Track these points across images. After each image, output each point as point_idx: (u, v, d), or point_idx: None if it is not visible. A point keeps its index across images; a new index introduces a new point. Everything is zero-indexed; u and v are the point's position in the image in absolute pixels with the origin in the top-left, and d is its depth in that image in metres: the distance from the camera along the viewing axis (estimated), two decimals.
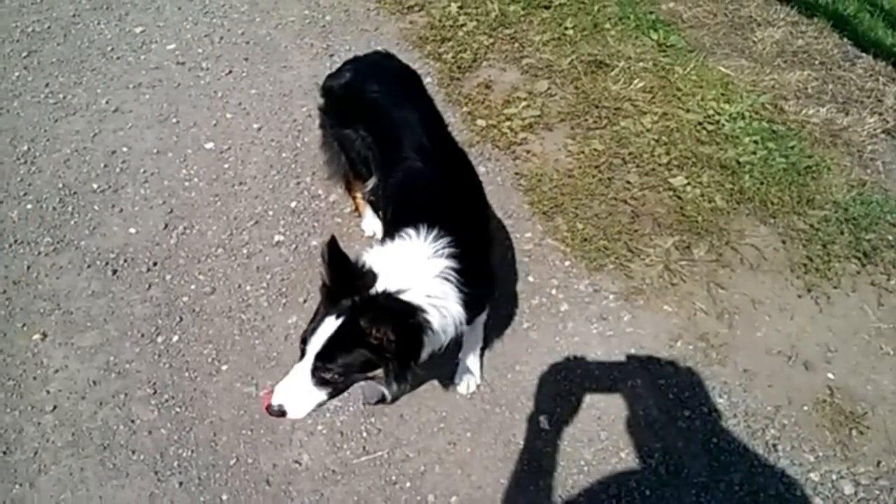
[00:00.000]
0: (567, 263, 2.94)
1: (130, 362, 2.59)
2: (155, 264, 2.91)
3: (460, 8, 4.26)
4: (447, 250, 1.88)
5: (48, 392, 2.50)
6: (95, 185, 3.22)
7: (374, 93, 2.40)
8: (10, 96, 3.59)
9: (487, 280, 2.20)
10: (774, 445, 2.35)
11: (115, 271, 2.88)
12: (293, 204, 3.16)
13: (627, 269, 2.92)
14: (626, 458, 2.33)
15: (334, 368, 1.73)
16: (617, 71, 3.79)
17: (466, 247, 1.92)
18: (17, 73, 3.78)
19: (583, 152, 3.40)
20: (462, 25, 4.15)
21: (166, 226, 3.06)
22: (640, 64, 3.83)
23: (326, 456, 2.34)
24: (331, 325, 1.71)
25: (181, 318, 2.72)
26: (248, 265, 2.91)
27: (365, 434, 2.39)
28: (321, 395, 1.78)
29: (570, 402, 2.48)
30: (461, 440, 2.37)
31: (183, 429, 2.40)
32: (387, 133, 2.31)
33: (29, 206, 3.10)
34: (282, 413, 1.77)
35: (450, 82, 3.76)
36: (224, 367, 2.57)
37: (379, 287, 1.75)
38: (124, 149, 3.40)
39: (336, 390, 1.80)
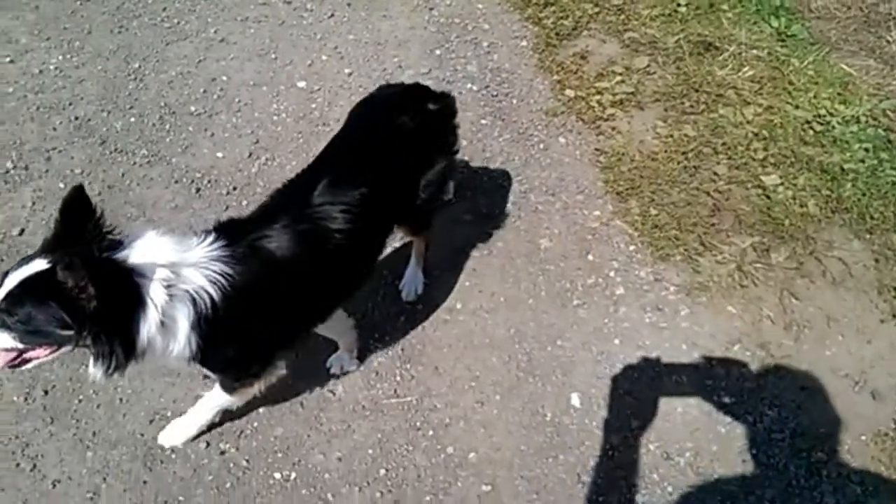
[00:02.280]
0: (632, 248, 2.84)
1: None
2: (235, 188, 3.07)
3: None
4: (224, 271, 1.71)
5: None
6: (193, 108, 3.41)
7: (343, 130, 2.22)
8: (129, 16, 3.84)
9: (244, 341, 1.89)
10: (819, 469, 2.20)
11: (198, 189, 3.06)
12: None
13: (696, 263, 2.78)
14: (654, 451, 2.26)
15: (18, 314, 1.54)
16: (726, 56, 3.55)
17: (244, 286, 1.73)
18: None
19: (672, 136, 3.24)
20: None
21: (250, 154, 3.21)
22: (753, 51, 3.57)
23: (359, 392, 2.42)
24: (34, 267, 1.54)
25: None
26: None
27: (398, 378, 2.45)
28: (5, 338, 1.58)
29: (607, 385, 2.42)
30: (489, 401, 2.38)
31: None
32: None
33: (132, 120, 3.33)
34: None
35: (545, 48, 3.67)
36: None
37: (116, 253, 1.60)
38: (224, 78, 3.57)
39: (23, 341, 1.59)
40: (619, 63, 3.58)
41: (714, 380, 2.44)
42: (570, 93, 3.46)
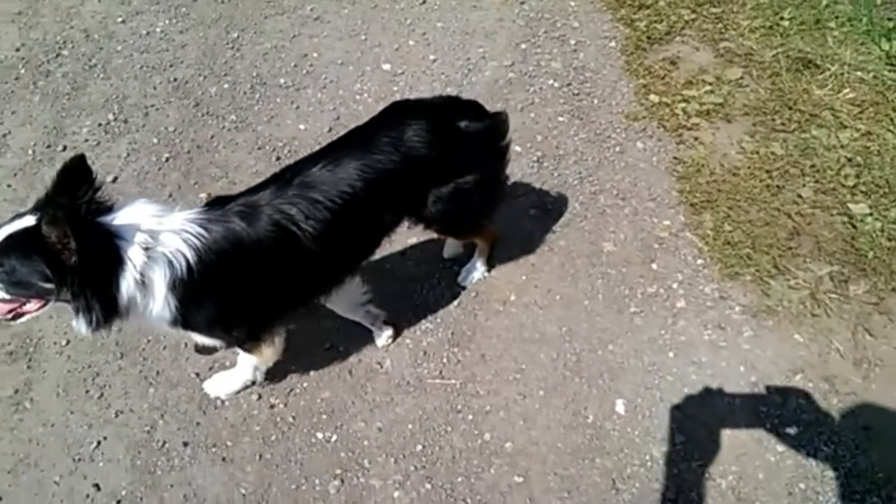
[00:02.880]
0: (699, 262, 2.76)
1: None
2: None
3: None
4: (201, 235, 1.79)
5: None
6: (282, 81, 3.56)
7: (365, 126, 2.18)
8: None
9: (214, 302, 1.92)
10: None
11: (278, 158, 3.20)
12: None
13: (766, 285, 2.67)
14: (695, 469, 2.20)
15: (5, 266, 1.66)
16: (826, 75, 3.38)
17: (217, 251, 1.81)
18: None
19: (757, 153, 3.12)
20: None
21: (330, 129, 3.31)
22: (858, 73, 3.38)
23: (406, 368, 2.47)
24: (22, 222, 1.65)
25: None
26: None
27: (445, 360, 2.49)
28: None
29: (655, 396, 2.37)
30: (532, 395, 2.38)
31: None
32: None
33: (225, 86, 3.51)
34: None
35: (634, 51, 3.60)
36: None
37: (102, 217, 1.71)
38: (314, 54, 3.70)
39: (9, 293, 1.72)
40: (710, 72, 3.47)
41: (769, 407, 2.34)
42: (654, 98, 3.38)
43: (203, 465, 2.23)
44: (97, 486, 2.18)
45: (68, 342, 2.52)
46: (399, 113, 2.15)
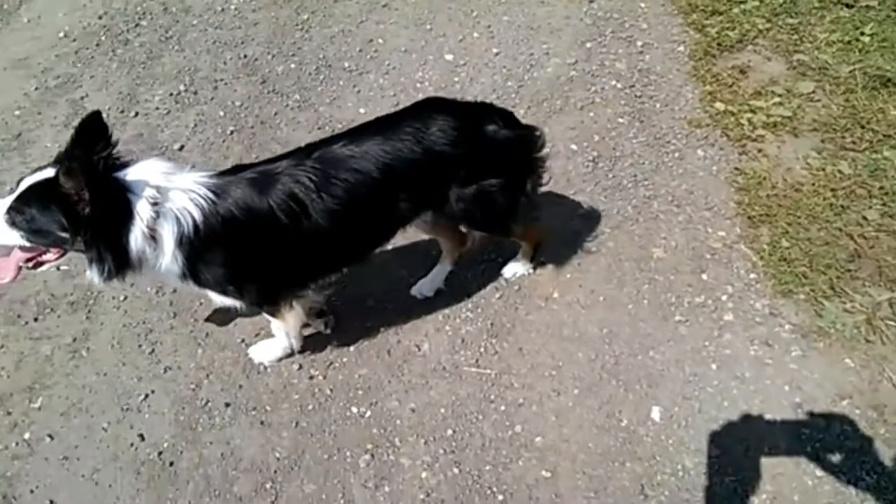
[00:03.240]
0: (752, 276, 2.69)
1: None
2: None
3: None
4: (208, 196, 1.85)
5: None
6: (347, 64, 3.63)
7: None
8: None
9: (220, 260, 1.95)
10: None
11: None
12: None
13: (820, 306, 2.58)
14: (728, 484, 2.16)
15: (25, 213, 1.76)
16: None
17: (224, 215, 1.87)
18: None
19: (823, 170, 3.01)
20: (741, 2, 3.81)
21: None
22: None
23: (443, 353, 2.50)
24: (43, 174, 1.76)
25: None
26: None
27: (482, 350, 2.50)
28: (13, 235, 1.81)
29: (693, 406, 2.33)
30: (566, 393, 2.37)
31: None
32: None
33: (292, 66, 3.61)
34: None
35: (703, 57, 3.52)
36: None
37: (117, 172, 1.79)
38: (380, 40, 3.76)
39: (28, 240, 1.82)
40: (780, 84, 3.36)
41: (811, 430, 2.27)
42: (720, 106, 3.30)
43: (242, 427, 2.31)
44: (141, 437, 2.29)
45: (126, 298, 2.64)
46: (430, 108, 2.15)
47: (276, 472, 2.21)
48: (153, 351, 2.50)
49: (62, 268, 2.67)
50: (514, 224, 2.39)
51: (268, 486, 2.18)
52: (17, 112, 3.35)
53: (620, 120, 3.27)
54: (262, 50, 3.68)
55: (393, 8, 3.94)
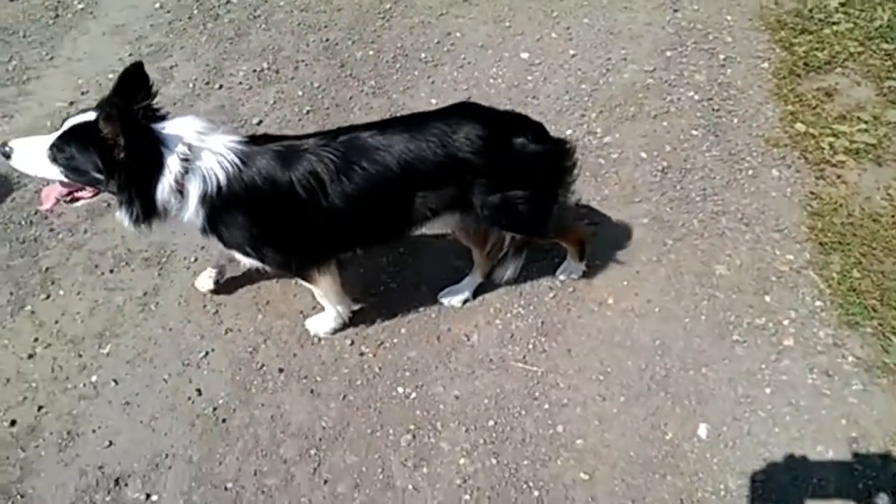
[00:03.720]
0: (818, 304, 2.60)
1: None
2: None
3: (842, 5, 3.77)
4: (235, 162, 1.94)
5: None
6: (423, 55, 3.69)
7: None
8: None
9: (238, 214, 2.03)
10: None
11: None
12: (568, 131, 3.26)
13: (888, 341, 2.48)
14: None
15: (66, 151, 1.88)
16: None
17: (246, 183, 1.95)
18: None
19: None
20: (834, 24, 3.68)
21: None
22: None
23: (492, 346, 2.52)
24: (85, 117, 1.86)
25: None
26: None
27: (531, 347, 2.51)
28: (53, 169, 1.92)
29: (742, 428, 2.28)
30: (612, 399, 2.36)
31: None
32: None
33: (370, 53, 3.69)
34: (6, 154, 1.95)
35: (787, 76, 3.42)
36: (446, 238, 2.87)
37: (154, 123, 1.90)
38: (458, 34, 3.80)
39: (66, 176, 1.93)
40: (867, 110, 3.23)
41: (865, 467, 2.18)
42: (800, 127, 3.20)
43: (293, 393, 2.40)
44: (199, 391, 2.40)
45: (196, 259, 2.77)
46: (462, 112, 2.15)
47: (321, 439, 2.29)
48: (216, 312, 2.62)
49: None
50: (544, 229, 2.38)
51: (312, 452, 2.26)
52: (110, 75, 3.54)
53: (694, 132, 3.21)
54: (344, 35, 3.78)
55: (473, 3, 3.97)
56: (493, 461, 2.23)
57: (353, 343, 2.54)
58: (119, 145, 1.82)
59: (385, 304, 2.66)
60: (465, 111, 2.17)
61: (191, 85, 3.49)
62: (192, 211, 1.98)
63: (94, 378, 2.44)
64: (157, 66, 3.56)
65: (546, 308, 2.62)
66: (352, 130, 2.09)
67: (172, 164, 1.91)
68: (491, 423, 2.32)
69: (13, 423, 2.33)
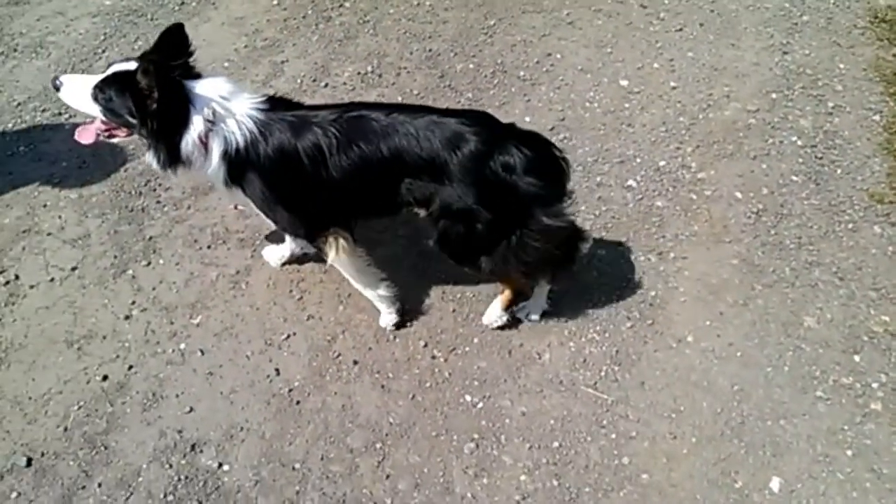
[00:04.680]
0: None
1: None
2: None
3: None
4: (253, 131, 2.10)
5: None
6: (522, 73, 3.73)
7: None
8: None
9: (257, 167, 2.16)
10: None
11: None
12: (661, 163, 3.23)
13: None
14: None
15: (106, 94, 2.09)
16: None
17: (261, 149, 2.11)
18: None
19: None
20: None
21: (553, 128, 3.42)
22: None
23: (562, 367, 2.52)
24: (127, 65, 2.05)
25: None
26: (590, 192, 3.12)
27: (603, 374, 2.50)
28: (93, 106, 2.14)
29: (818, 488, 2.18)
30: (682, 438, 2.31)
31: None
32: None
33: (470, 66, 3.76)
34: (56, 86, 2.19)
35: None
36: None
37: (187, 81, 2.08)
38: (558, 55, 3.83)
39: (104, 115, 2.14)
40: None
41: None
42: None
43: (364, 386, 2.47)
44: (277, 371, 2.51)
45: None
46: (469, 120, 2.13)
47: (387, 435, 2.34)
48: (301, 298, 2.72)
49: (239, 207, 2.96)
50: (474, 264, 2.32)
51: (378, 445, 2.31)
52: (226, 63, 3.76)
53: (794, 178, 3.11)
54: (447, 47, 3.87)
55: (577, 27, 4.00)
56: (555, 482, 2.23)
57: (426, 345, 2.59)
58: (153, 97, 2.01)
59: (460, 312, 2.70)
60: (474, 119, 2.16)
61: (299, 81, 3.66)
62: (214, 166, 2.16)
63: (182, 346, 2.58)
64: (270, 60, 3.75)
65: (622, 337, 2.59)
66: (364, 108, 2.21)
67: (197, 123, 2.09)
68: (555, 444, 2.32)
69: (105, 378, 2.49)
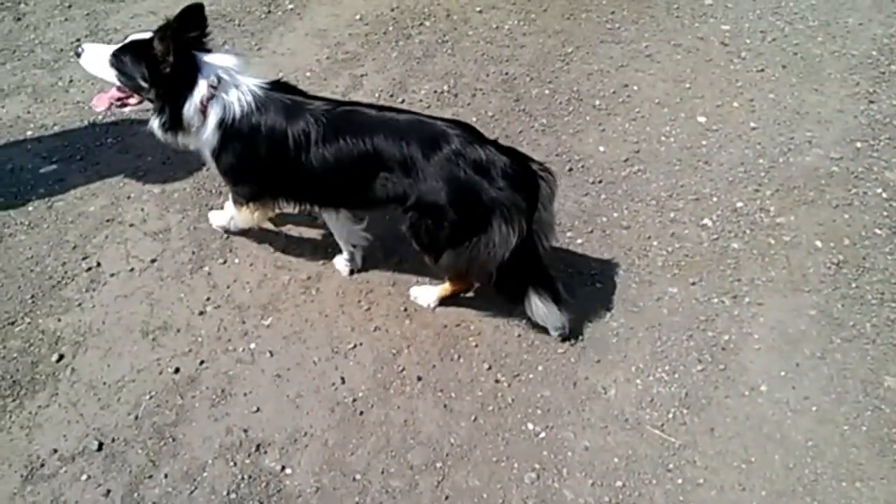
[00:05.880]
0: None
1: None
2: (600, 182, 3.30)
3: None
4: (251, 104, 2.28)
5: None
6: (597, 102, 3.73)
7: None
8: (582, 9, 4.32)
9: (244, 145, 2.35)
10: None
11: (570, 169, 3.37)
12: (739, 204, 3.17)
13: None
14: None
15: (122, 60, 2.31)
16: None
17: (253, 122, 2.29)
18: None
19: None
20: None
21: (627, 160, 3.41)
22: None
23: (628, 405, 2.47)
24: (143, 34, 2.26)
25: (591, 230, 3.07)
26: (663, 227, 3.08)
27: (671, 416, 2.44)
28: (110, 72, 2.36)
29: None
30: (752, 491, 2.24)
31: None
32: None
33: (546, 92, 3.77)
34: (78, 53, 2.42)
35: None
36: (598, 285, 2.86)
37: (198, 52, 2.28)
38: (635, 87, 3.82)
39: (119, 79, 2.36)
40: None
41: None
42: None
43: (427, 403, 2.47)
44: (342, 380, 2.53)
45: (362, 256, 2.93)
46: (452, 131, 2.24)
47: (447, 455, 2.33)
48: (369, 309, 2.75)
49: (312, 214, 3.02)
50: (444, 260, 2.42)
51: (438, 465, 2.30)
52: (307, 73, 3.85)
53: (878, 231, 3.02)
54: (523, 71, 3.90)
55: (655, 60, 3.98)
56: None
57: (490, 368, 2.58)
58: (167, 61, 2.20)
59: (525, 337, 2.68)
60: (457, 131, 2.26)
61: (376, 94, 3.73)
62: (209, 132, 2.33)
63: (252, 346, 2.62)
64: (349, 73, 3.83)
65: (692, 380, 2.54)
66: (358, 105, 2.41)
67: (202, 87, 2.26)
68: (619, 483, 2.27)
69: (177, 370, 2.55)
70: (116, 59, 2.34)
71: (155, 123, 2.38)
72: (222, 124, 2.31)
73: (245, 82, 2.34)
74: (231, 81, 2.31)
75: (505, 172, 2.22)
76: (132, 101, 2.47)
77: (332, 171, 2.32)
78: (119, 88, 2.45)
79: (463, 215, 2.26)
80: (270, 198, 2.59)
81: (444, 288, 2.69)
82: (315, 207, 2.60)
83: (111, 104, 2.51)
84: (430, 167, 2.22)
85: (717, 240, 3.02)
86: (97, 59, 2.39)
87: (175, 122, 2.34)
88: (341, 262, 2.84)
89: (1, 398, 2.45)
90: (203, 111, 2.29)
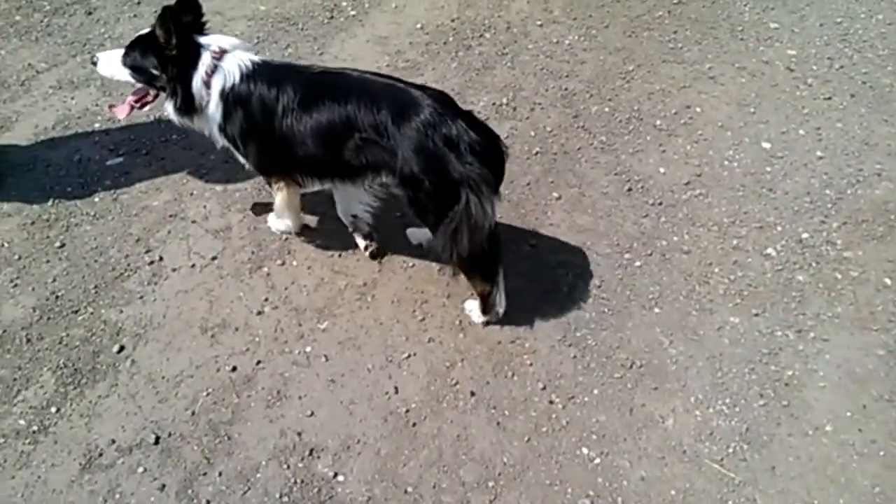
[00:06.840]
0: None
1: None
2: (660, 203, 3.24)
3: None
4: (248, 70, 2.42)
5: None
6: (658, 122, 3.67)
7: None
8: (644, 27, 4.27)
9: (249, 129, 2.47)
10: None
11: (629, 189, 3.32)
12: (804, 235, 3.09)
13: None
14: None
15: (132, 56, 2.51)
16: None
17: (247, 90, 2.41)
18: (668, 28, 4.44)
19: None
20: None
21: (688, 182, 3.34)
22: None
23: (686, 437, 2.42)
24: (146, 31, 2.44)
25: (651, 253, 3.02)
26: (725, 254, 3.01)
27: (730, 451, 2.38)
28: (124, 71, 2.56)
29: None
30: None
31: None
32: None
33: (606, 109, 3.73)
34: (94, 62, 2.63)
35: None
36: (657, 310, 2.81)
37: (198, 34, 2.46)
38: (697, 109, 3.75)
39: (132, 76, 2.56)
40: None
41: None
42: None
43: (480, 419, 2.44)
44: (396, 389, 2.52)
45: (413, 265, 2.93)
46: (430, 100, 2.24)
47: (500, 474, 2.30)
48: (423, 319, 2.74)
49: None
50: (434, 226, 2.35)
51: (490, 484, 2.28)
52: None
53: None
54: (583, 87, 3.87)
55: (719, 82, 3.91)
56: None
57: (544, 388, 2.54)
58: (171, 45, 2.36)
59: (581, 359, 2.64)
60: (434, 94, 2.31)
61: None
62: (214, 104, 2.44)
63: (308, 349, 2.64)
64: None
65: (754, 415, 2.47)
66: (344, 70, 2.51)
67: (205, 59, 2.40)
68: None
69: (234, 368, 2.57)
70: (127, 57, 2.53)
71: (170, 108, 2.53)
72: (223, 93, 2.42)
73: (244, 53, 2.47)
74: (230, 51, 2.45)
75: (472, 148, 2.21)
76: (148, 98, 2.68)
77: (311, 135, 2.39)
78: (133, 92, 2.67)
79: (436, 187, 2.26)
80: (279, 170, 2.65)
81: (475, 296, 2.65)
82: (315, 181, 2.63)
83: (132, 108, 2.69)
84: (402, 137, 2.23)
85: (781, 270, 2.94)
86: (111, 63, 2.58)
87: (187, 103, 2.47)
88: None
89: (63, 386, 2.50)
90: (207, 84, 2.42)
